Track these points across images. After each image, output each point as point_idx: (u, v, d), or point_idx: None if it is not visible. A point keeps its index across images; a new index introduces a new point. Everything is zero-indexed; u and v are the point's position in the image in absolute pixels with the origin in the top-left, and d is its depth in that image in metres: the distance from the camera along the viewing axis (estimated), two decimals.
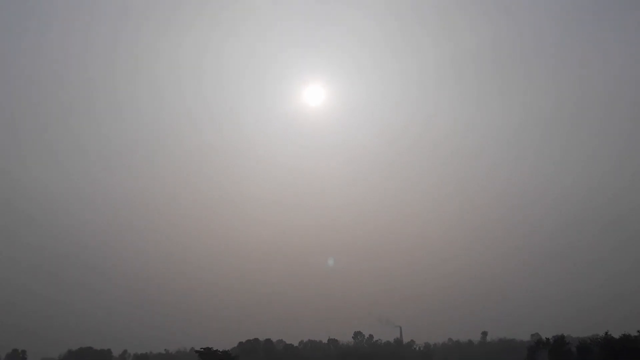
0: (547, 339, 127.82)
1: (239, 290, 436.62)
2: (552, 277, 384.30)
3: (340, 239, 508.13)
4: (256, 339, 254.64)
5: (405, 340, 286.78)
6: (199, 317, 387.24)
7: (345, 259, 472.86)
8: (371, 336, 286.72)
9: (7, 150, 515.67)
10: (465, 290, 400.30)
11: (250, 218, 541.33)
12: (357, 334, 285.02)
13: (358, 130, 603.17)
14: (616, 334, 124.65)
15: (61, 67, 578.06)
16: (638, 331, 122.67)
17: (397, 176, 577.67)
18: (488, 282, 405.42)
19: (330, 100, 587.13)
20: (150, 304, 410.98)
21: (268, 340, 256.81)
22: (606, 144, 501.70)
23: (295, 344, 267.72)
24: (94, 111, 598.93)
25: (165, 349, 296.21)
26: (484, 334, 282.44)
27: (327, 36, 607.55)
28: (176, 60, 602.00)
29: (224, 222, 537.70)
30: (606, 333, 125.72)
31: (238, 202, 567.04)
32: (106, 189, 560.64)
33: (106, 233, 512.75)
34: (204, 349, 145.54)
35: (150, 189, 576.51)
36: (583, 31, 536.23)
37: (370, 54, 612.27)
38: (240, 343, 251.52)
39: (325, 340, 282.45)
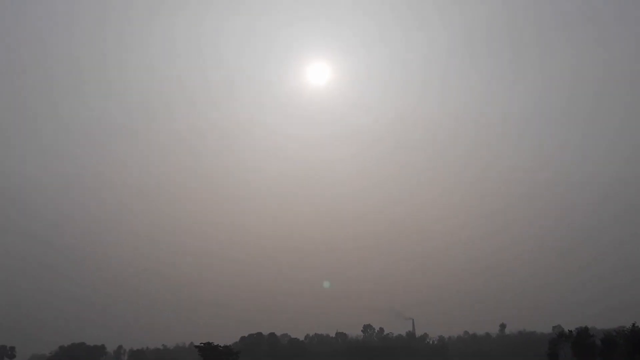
0: (570, 331, 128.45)
1: (241, 283, 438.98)
2: (575, 266, 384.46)
3: (348, 229, 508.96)
4: (259, 333, 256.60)
5: (418, 333, 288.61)
6: (199, 312, 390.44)
7: (353, 250, 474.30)
8: (382, 329, 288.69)
9: None
10: (482, 281, 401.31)
11: (250, 206, 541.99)
12: (367, 327, 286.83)
13: (366, 110, 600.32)
14: None
15: (45, 44, 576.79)
16: None
17: (410, 160, 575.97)
18: (506, 272, 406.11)
19: (335, 79, 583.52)
20: (147, 297, 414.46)
21: (272, 335, 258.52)
22: (634, 116, 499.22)
23: (301, 338, 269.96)
24: (81, 90, 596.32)
25: (162, 345, 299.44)
26: (503, 326, 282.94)
27: (332, 10, 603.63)
28: (171, 35, 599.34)
29: (221, 210, 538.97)
30: (633, 325, 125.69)
31: (237, 190, 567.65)
32: (95, 175, 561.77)
33: (97, 223, 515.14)
34: (203, 344, 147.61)
35: (142, 175, 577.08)
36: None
37: (377, 28, 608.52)
38: (243, 338, 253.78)
39: (332, 334, 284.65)
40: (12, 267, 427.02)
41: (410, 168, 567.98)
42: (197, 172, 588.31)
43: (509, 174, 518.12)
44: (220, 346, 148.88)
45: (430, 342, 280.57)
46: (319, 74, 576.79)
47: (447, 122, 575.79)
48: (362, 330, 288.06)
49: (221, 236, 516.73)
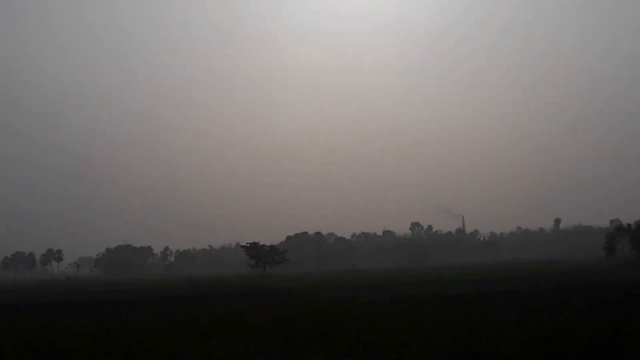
0: (629, 225, 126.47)
1: (287, 183, 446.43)
2: (633, 160, 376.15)
3: (392, 123, 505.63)
4: (305, 233, 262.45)
5: (469, 230, 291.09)
6: (245, 213, 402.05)
7: (401, 146, 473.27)
8: (430, 227, 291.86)
9: (4, 38, 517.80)
10: (535, 175, 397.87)
11: (297, 107, 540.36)
12: (415, 225, 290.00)
13: None
14: None
15: None
16: None
17: (454, 48, 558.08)
18: (561, 165, 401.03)
19: None
20: (192, 200, 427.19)
21: (318, 234, 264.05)
22: None
23: (348, 237, 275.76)
24: None
25: (209, 245, 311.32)
26: (557, 221, 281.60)
27: None
28: None
29: (265, 112, 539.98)
30: None
31: (270, 87, 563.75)
32: (122, 81, 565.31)
33: (136, 128, 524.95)
34: (249, 243, 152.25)
35: (172, 76, 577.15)
36: None
37: None
38: (289, 237, 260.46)
39: (380, 233, 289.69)
40: (60, 173, 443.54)
41: (460, 62, 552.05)
42: (238, 76, 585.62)
43: (565, 65, 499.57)
44: (266, 246, 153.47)
45: (481, 238, 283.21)
46: None
47: (503, 12, 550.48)
48: (409, 228, 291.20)
49: (269, 138, 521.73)
